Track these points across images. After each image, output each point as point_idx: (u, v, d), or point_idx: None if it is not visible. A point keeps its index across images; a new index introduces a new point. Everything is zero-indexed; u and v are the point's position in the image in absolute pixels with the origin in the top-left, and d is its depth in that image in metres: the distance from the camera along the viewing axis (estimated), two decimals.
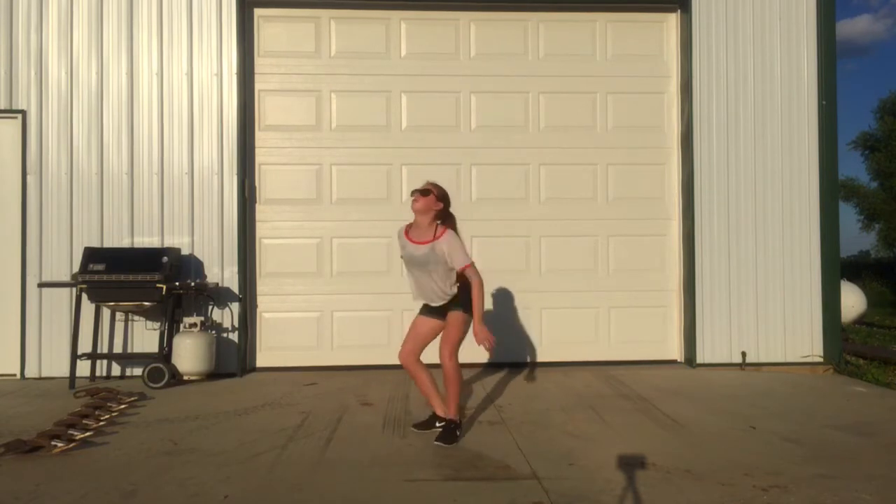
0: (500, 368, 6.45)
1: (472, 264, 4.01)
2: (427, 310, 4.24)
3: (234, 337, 6.37)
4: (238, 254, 6.36)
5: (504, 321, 6.64)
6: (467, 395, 5.31)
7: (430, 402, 4.32)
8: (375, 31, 6.73)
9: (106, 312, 6.26)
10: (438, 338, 4.19)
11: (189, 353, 5.88)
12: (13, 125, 6.28)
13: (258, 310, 6.60)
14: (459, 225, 4.24)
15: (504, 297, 6.67)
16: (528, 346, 6.74)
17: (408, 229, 4.19)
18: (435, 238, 4.01)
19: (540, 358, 6.70)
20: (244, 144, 6.46)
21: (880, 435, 4.31)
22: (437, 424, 4.23)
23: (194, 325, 6.03)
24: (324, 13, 6.70)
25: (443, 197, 4.12)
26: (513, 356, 6.70)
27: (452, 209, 4.24)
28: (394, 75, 6.72)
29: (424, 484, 3.41)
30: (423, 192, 4.06)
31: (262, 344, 6.60)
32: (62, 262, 6.22)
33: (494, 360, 6.56)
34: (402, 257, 4.26)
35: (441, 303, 4.12)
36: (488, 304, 6.60)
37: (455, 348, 4.09)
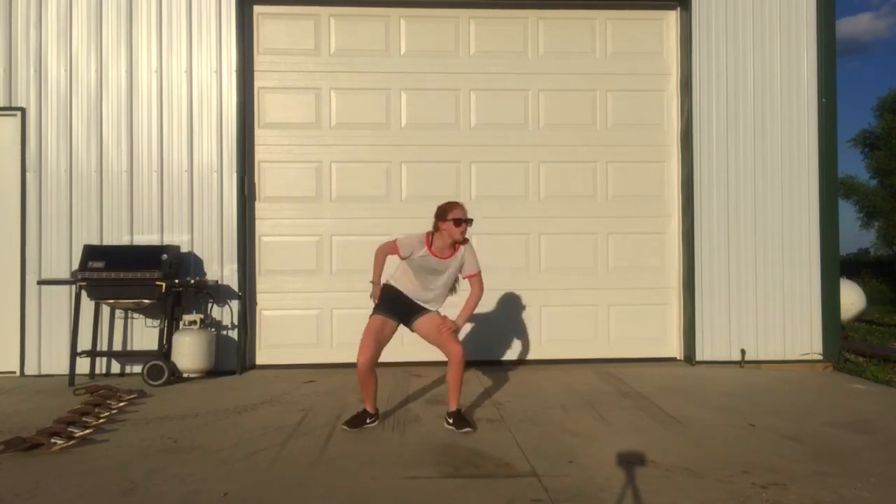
0: (499, 366, 6.45)
1: (479, 272, 4.33)
2: (389, 309, 4.27)
3: (234, 334, 6.37)
4: (237, 251, 6.36)
5: (503, 318, 6.65)
6: (467, 392, 5.31)
7: (367, 400, 4.34)
8: (375, 28, 6.72)
9: (105, 310, 6.26)
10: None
11: (188, 351, 5.89)
12: (12, 123, 6.27)
13: (258, 307, 6.60)
14: None
15: (503, 295, 6.66)
16: (528, 343, 6.74)
17: (429, 242, 4.26)
18: (455, 252, 4.29)
19: (539, 355, 6.70)
20: (244, 142, 6.46)
21: (880, 432, 4.32)
22: (368, 421, 4.33)
23: (194, 322, 6.03)
24: (323, 10, 6.69)
25: None
26: (512, 354, 6.71)
27: None
28: (393, 73, 6.72)
29: (424, 481, 3.41)
30: (469, 221, 4.23)
31: (261, 341, 6.61)
32: (62, 259, 6.21)
33: (494, 358, 6.58)
34: (408, 262, 4.28)
35: (437, 307, 4.35)
36: (488, 302, 6.60)
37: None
